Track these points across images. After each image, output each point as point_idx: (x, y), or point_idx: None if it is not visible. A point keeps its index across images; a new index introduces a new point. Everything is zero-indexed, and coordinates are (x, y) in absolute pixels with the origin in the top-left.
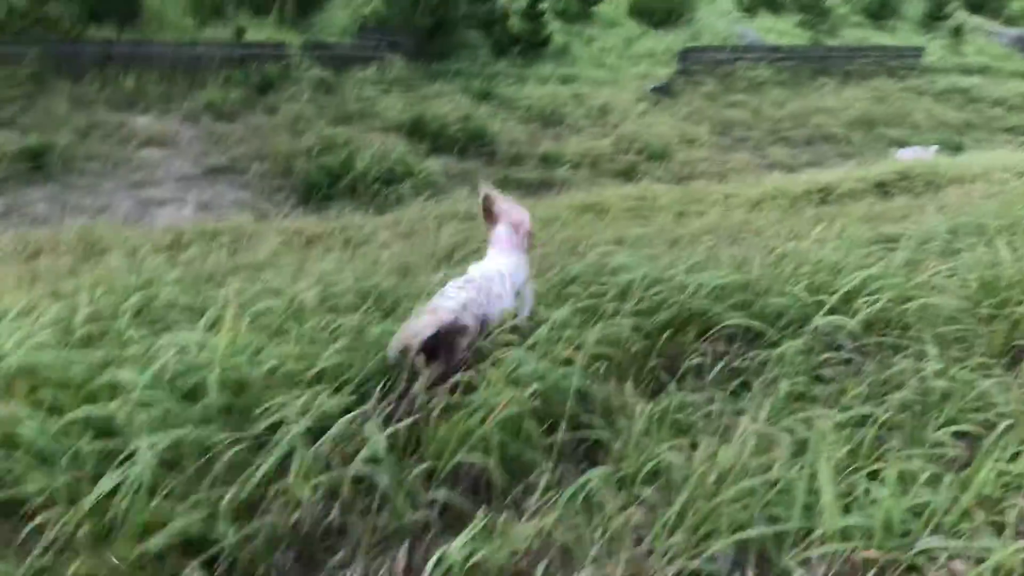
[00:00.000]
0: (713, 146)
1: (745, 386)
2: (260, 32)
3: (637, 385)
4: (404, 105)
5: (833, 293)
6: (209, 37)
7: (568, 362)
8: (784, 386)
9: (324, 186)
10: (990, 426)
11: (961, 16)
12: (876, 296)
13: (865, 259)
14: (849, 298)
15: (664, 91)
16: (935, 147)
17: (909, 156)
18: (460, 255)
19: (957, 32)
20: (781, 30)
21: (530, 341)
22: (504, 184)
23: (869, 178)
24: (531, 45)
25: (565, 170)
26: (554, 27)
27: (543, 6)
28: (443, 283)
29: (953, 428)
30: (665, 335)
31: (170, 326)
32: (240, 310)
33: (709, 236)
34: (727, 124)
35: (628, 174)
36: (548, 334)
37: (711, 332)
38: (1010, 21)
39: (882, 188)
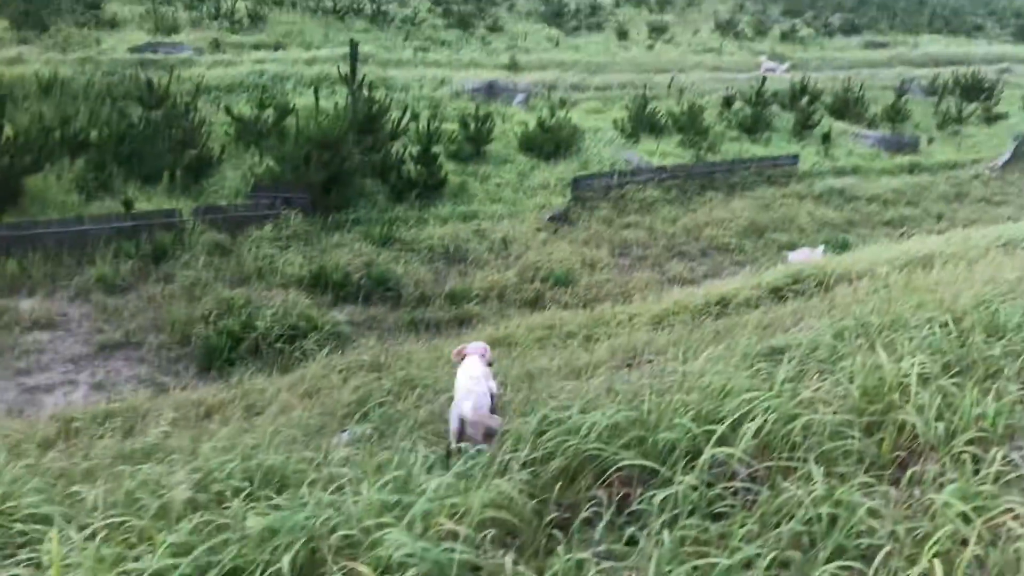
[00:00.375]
0: (614, 267)
1: (644, 529)
2: (150, 202)
3: (531, 546)
4: (304, 259)
5: (722, 420)
6: (96, 212)
7: (453, 535)
8: (671, 535)
9: (225, 351)
10: (877, 550)
11: (827, 123)
12: (763, 418)
13: (752, 379)
14: (738, 423)
15: (562, 219)
16: (822, 247)
17: (800, 258)
18: (363, 410)
19: (826, 138)
20: (664, 151)
21: (409, 516)
22: (413, 326)
23: (764, 284)
24: (428, 187)
25: (473, 305)
26: (449, 168)
27: (436, 150)
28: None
29: (837, 563)
30: (559, 484)
31: (26, 544)
32: (105, 514)
33: (611, 362)
34: (625, 245)
35: (535, 303)
36: (428, 505)
37: (606, 475)
38: (871, 124)
39: (777, 293)
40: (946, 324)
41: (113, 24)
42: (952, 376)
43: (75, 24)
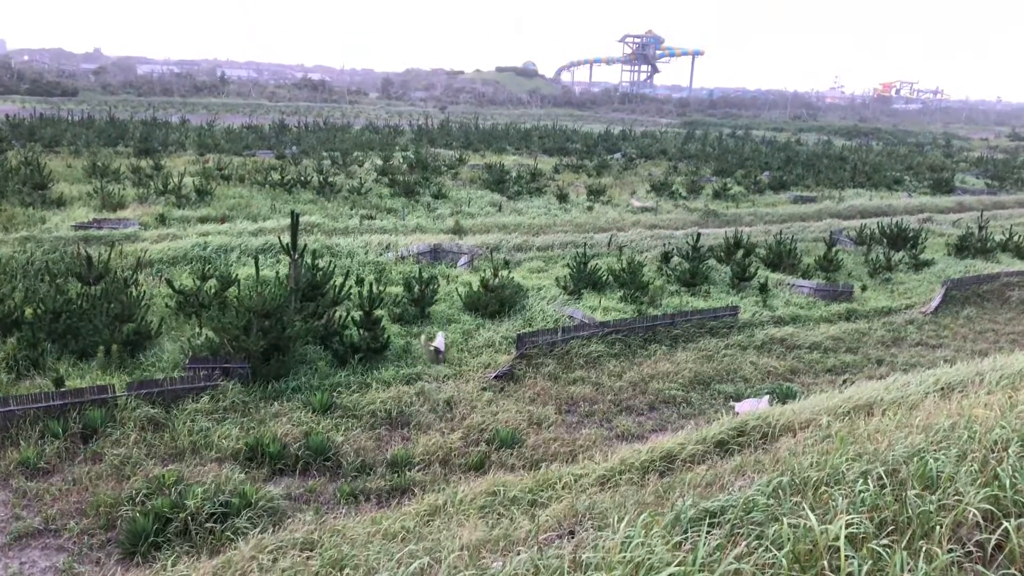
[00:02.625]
0: (561, 424)
1: None
2: (83, 379)
3: None
4: (240, 431)
5: None
6: (25, 391)
7: None
8: None
9: (151, 533)
10: None
11: (764, 274)
12: None
13: (677, 551)
14: None
15: (507, 377)
16: (767, 397)
17: (746, 408)
18: None
19: (763, 289)
20: (606, 307)
21: None
22: (352, 497)
23: (709, 438)
24: (371, 351)
25: (416, 472)
26: (393, 330)
27: (380, 313)
28: None
29: None
30: None
31: None
32: None
33: (551, 532)
34: (572, 401)
35: (479, 466)
36: None
37: None
38: (805, 274)
39: (722, 446)
40: (881, 477)
41: (60, 203)
42: (887, 535)
43: (21, 204)
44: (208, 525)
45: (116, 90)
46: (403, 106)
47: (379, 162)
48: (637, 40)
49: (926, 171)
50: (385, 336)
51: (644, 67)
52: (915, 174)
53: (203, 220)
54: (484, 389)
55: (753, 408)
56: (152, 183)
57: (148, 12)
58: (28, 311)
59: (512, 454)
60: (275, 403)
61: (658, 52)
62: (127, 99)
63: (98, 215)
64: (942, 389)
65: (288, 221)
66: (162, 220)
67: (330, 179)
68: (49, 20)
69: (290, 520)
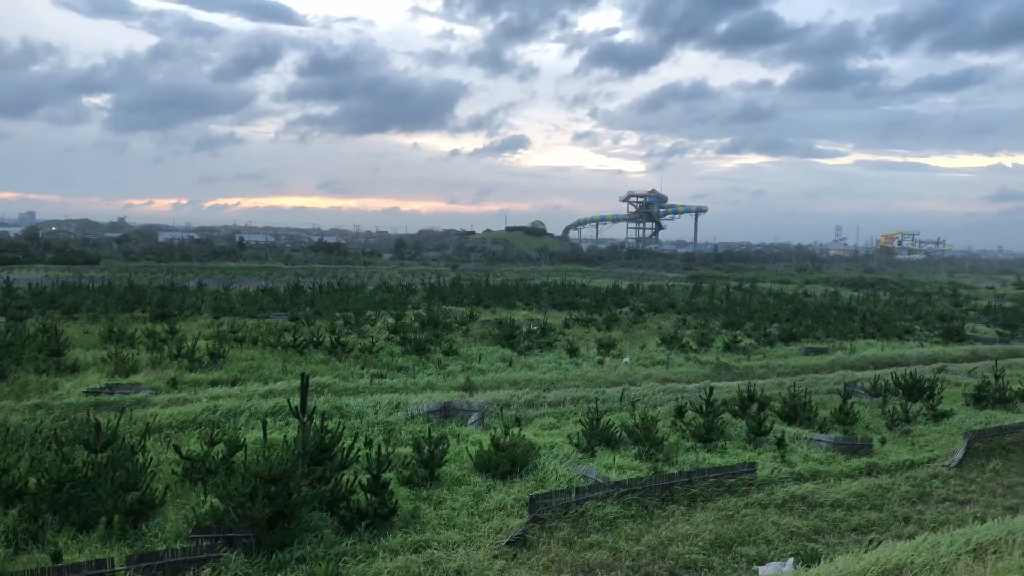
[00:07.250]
0: None
1: None
2: (83, 552)
3: None
4: None
5: None
6: (23, 566)
7: None
8: None
9: None
10: None
11: (780, 428)
12: None
13: None
14: None
15: (520, 543)
16: (791, 560)
17: (770, 573)
18: None
19: (780, 444)
20: (621, 465)
21: None
22: None
23: None
24: (379, 517)
25: None
26: (401, 494)
27: (388, 476)
28: None
29: None
30: None
31: None
32: None
33: None
34: (588, 568)
35: None
36: None
37: None
38: (823, 428)
39: None
40: None
41: (74, 369)
42: None
43: (35, 371)
44: None
45: (137, 256)
46: (416, 265)
47: (391, 320)
48: (640, 199)
49: (936, 320)
50: (393, 501)
51: (649, 224)
52: (925, 323)
53: (214, 383)
54: (496, 557)
55: (778, 572)
56: (166, 347)
57: (170, 184)
58: (32, 481)
59: None
60: (279, 575)
61: (661, 210)
62: (147, 265)
63: (110, 380)
64: (974, 550)
65: (298, 382)
66: (174, 384)
67: (342, 339)
68: (77, 192)
69: None
